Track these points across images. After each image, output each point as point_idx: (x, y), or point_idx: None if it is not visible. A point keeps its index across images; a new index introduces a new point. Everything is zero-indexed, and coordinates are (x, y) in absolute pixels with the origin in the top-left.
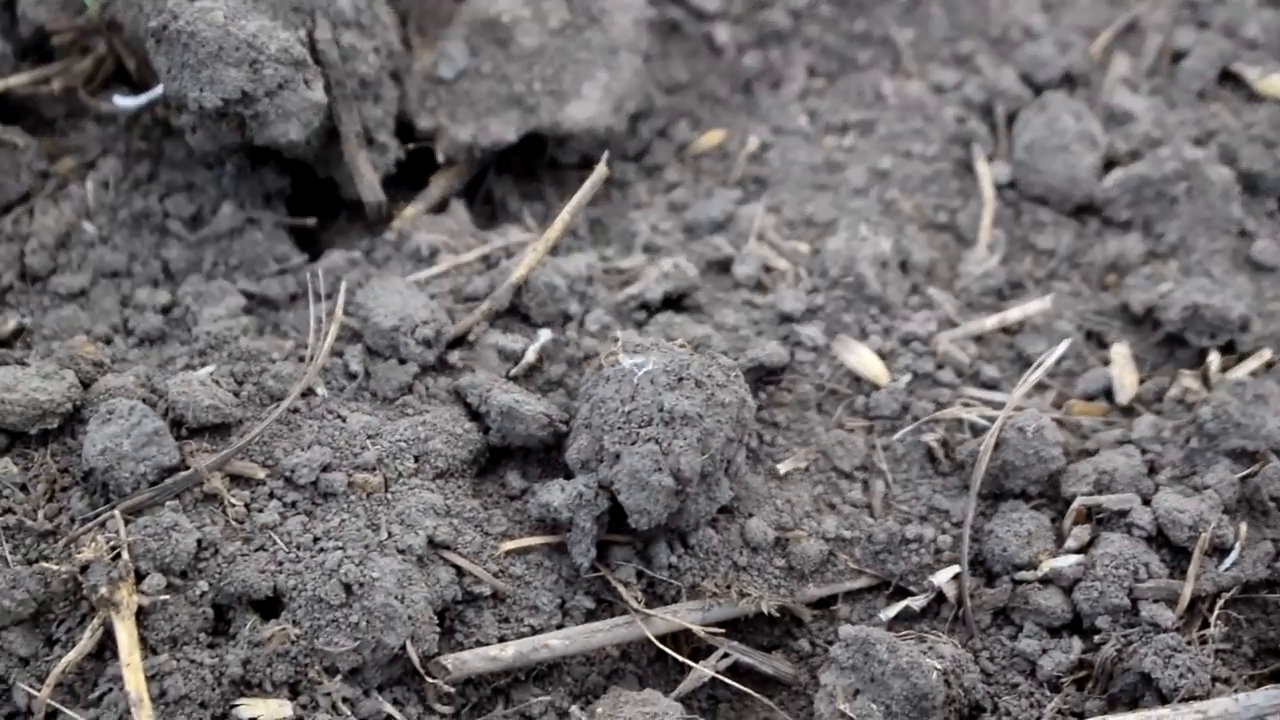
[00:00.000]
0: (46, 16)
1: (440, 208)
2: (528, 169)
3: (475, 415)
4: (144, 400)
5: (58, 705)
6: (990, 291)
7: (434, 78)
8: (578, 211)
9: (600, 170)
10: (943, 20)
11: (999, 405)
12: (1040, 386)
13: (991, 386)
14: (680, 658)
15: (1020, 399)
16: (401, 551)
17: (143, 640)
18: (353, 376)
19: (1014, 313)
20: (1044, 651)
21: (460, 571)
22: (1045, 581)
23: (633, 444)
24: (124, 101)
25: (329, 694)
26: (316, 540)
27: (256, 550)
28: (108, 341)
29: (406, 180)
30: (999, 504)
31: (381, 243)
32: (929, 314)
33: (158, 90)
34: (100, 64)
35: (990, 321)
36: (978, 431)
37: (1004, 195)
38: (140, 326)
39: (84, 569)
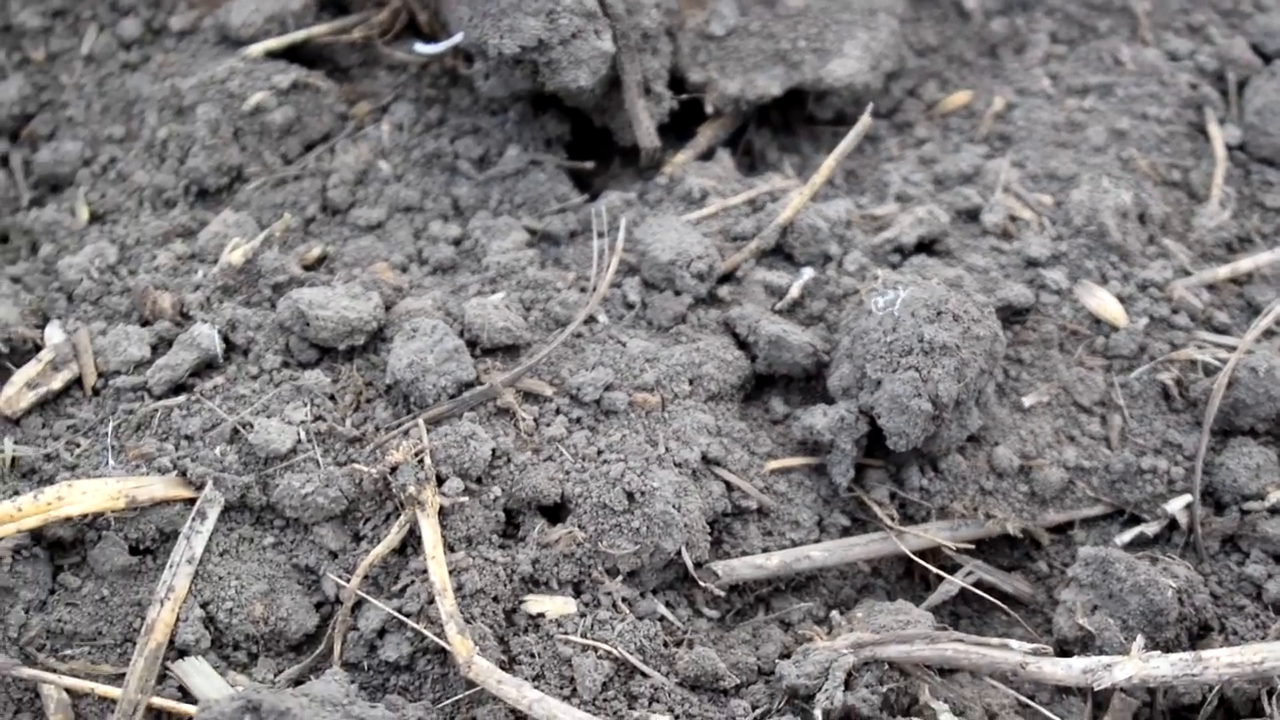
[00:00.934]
0: None
1: (707, 155)
2: (785, 123)
3: (742, 345)
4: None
5: (364, 595)
6: (1221, 244)
7: (705, 34)
8: (841, 159)
9: (864, 121)
10: None
11: (1231, 348)
12: (1268, 333)
13: (1223, 331)
14: (934, 569)
15: (1251, 342)
16: (678, 465)
17: (442, 538)
18: (630, 306)
19: (1245, 264)
20: (1270, 576)
21: (729, 486)
22: (1273, 511)
23: (894, 371)
24: (425, 48)
25: (610, 593)
26: (600, 453)
27: (545, 460)
28: (404, 269)
29: (673, 130)
30: (1228, 439)
31: (654, 186)
32: (1165, 263)
33: (457, 37)
34: (396, 16)
35: (1222, 271)
36: (1210, 372)
37: (1234, 156)
38: (434, 256)
39: (393, 470)
